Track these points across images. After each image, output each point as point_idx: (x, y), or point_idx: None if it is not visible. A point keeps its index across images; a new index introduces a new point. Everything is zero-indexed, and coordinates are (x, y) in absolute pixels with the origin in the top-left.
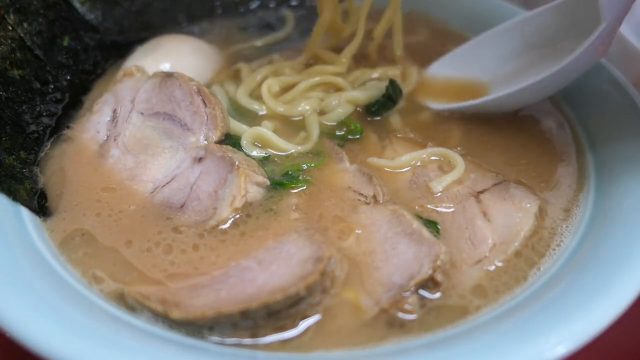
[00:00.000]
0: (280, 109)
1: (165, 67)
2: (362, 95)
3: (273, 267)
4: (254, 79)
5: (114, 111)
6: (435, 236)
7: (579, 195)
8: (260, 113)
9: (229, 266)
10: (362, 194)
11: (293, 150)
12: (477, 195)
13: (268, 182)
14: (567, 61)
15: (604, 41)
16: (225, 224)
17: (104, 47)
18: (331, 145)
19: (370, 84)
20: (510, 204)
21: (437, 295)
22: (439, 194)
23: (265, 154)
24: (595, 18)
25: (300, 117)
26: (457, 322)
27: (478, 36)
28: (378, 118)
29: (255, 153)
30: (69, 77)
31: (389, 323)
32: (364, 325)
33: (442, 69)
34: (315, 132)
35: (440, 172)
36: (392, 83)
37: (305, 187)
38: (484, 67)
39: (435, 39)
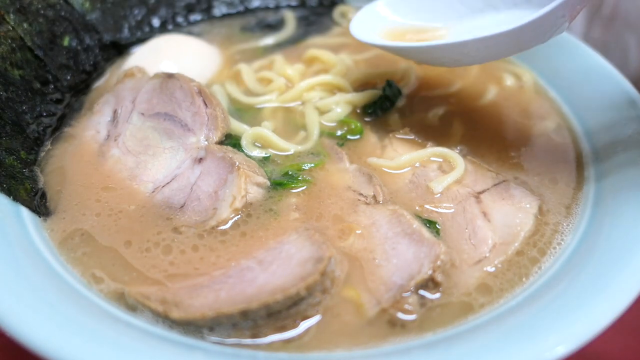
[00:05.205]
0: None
1: (166, 67)
2: (360, 96)
3: (273, 267)
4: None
5: (115, 111)
6: (435, 236)
7: (579, 194)
8: (267, 97)
9: (229, 266)
10: (362, 194)
11: (293, 150)
12: (477, 195)
13: (268, 183)
14: (527, 21)
15: (571, 5)
16: (225, 224)
17: (104, 47)
18: (331, 145)
19: (369, 87)
20: (510, 205)
21: (437, 295)
22: (439, 194)
23: (266, 154)
24: None
25: (300, 105)
26: (457, 322)
27: None
28: (377, 118)
29: (255, 153)
30: (69, 77)
31: (390, 323)
32: (365, 325)
33: (394, 7)
34: (315, 131)
35: (440, 172)
36: (389, 84)
37: (305, 187)
38: (440, 17)
39: None
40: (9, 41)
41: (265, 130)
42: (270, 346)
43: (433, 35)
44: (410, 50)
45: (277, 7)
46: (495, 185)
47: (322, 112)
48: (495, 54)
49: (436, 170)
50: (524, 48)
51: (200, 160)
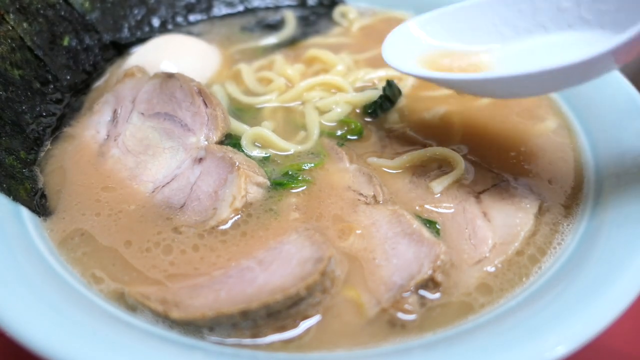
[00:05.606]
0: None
1: (166, 67)
2: (360, 96)
3: (273, 267)
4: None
5: (115, 111)
6: (435, 236)
7: (579, 194)
8: (267, 97)
9: (229, 266)
10: (362, 194)
11: (293, 150)
12: (477, 195)
13: (268, 183)
14: (597, 54)
15: None
16: (225, 224)
17: (104, 47)
18: (331, 145)
19: (369, 86)
20: (510, 204)
21: (437, 295)
22: (439, 194)
23: (266, 154)
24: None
25: (300, 105)
26: (457, 322)
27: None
28: (377, 118)
29: (255, 153)
30: (69, 77)
31: (390, 323)
32: (365, 325)
33: (430, 26)
34: (315, 131)
35: (440, 172)
36: (389, 84)
37: (305, 187)
38: (481, 39)
39: None
40: (9, 41)
41: (265, 130)
42: (270, 346)
43: (475, 61)
44: (455, 82)
45: (277, 7)
46: (495, 185)
47: (322, 112)
48: (557, 85)
49: (436, 170)
50: (585, 81)
51: (200, 160)
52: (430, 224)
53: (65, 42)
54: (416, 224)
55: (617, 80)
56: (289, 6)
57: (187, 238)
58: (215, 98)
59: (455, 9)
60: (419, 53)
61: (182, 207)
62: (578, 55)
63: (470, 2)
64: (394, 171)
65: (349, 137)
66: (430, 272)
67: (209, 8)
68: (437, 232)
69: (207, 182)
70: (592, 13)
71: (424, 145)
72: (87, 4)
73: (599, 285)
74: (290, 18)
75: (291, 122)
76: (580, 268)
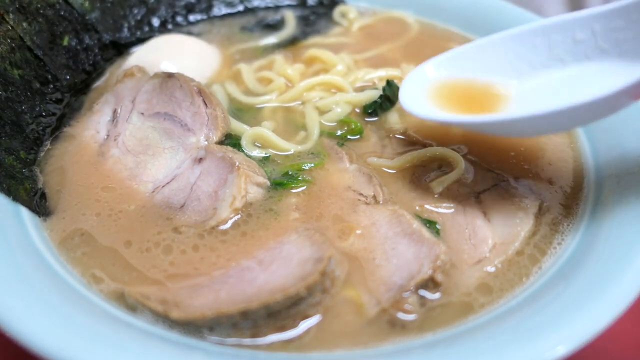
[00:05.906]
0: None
1: (166, 67)
2: (361, 96)
3: (273, 267)
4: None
5: (115, 111)
6: (435, 236)
7: (579, 193)
8: (267, 97)
9: (229, 266)
10: (362, 194)
11: (293, 150)
12: (477, 195)
13: (268, 183)
14: (621, 87)
15: None
16: (225, 224)
17: (104, 47)
18: (331, 144)
19: (369, 86)
20: (510, 204)
21: (437, 295)
22: (439, 194)
23: (266, 154)
24: None
25: (300, 105)
26: (457, 322)
27: (489, 37)
28: (377, 118)
29: (255, 153)
30: (68, 77)
31: (390, 323)
32: (365, 325)
33: (444, 67)
34: (315, 131)
35: (440, 172)
36: (389, 84)
37: (305, 187)
38: (497, 77)
39: (434, 39)
40: (9, 41)
41: (265, 130)
42: (270, 346)
43: (493, 100)
44: (479, 125)
45: (277, 7)
46: (495, 185)
47: (322, 112)
48: (586, 119)
49: (436, 170)
50: (613, 112)
51: (200, 160)
52: (430, 224)
53: (65, 42)
54: (416, 224)
55: None
56: (289, 6)
57: (187, 238)
58: (215, 98)
59: (468, 48)
60: (435, 93)
61: (182, 207)
62: (604, 87)
63: (483, 41)
64: (394, 171)
65: (349, 137)
66: (430, 272)
67: (209, 8)
68: (437, 232)
69: (207, 182)
70: (609, 42)
71: (424, 145)
72: (87, 4)
73: (599, 286)
74: (290, 18)
75: (291, 122)
76: (580, 268)
